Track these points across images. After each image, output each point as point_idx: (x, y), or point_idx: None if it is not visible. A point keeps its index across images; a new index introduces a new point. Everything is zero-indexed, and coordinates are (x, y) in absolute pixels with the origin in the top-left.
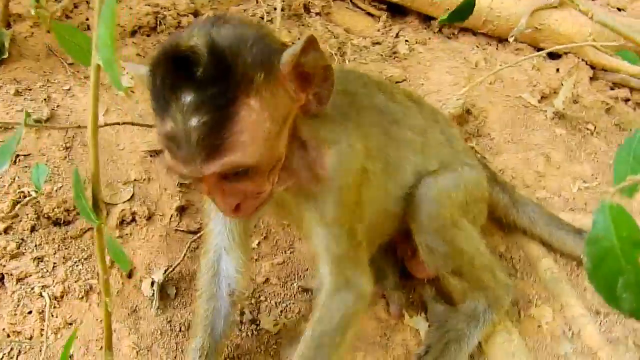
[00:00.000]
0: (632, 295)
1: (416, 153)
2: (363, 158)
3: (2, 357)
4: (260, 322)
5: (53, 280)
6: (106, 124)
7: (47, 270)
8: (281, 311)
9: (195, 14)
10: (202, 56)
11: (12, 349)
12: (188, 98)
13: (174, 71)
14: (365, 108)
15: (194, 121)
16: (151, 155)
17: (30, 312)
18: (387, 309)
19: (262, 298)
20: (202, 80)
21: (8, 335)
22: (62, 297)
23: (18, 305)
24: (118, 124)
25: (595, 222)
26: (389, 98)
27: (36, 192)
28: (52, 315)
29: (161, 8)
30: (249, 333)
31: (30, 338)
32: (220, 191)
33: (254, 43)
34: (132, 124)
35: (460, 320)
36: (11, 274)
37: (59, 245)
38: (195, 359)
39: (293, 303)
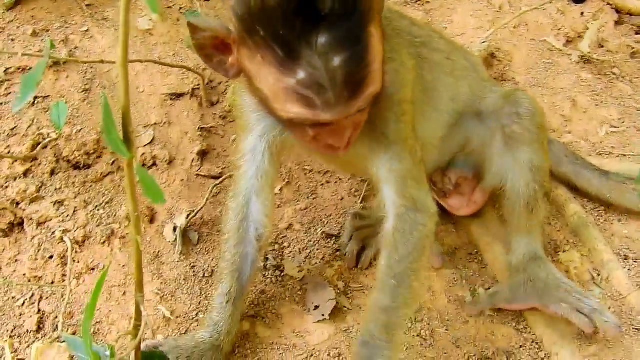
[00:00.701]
0: None
1: (447, 75)
2: (411, 75)
3: (24, 302)
4: (284, 268)
5: (74, 225)
6: (131, 61)
7: (68, 215)
8: (305, 257)
9: None
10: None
11: (33, 294)
12: (325, 39)
13: (298, 16)
14: (398, 30)
15: (336, 60)
16: (171, 99)
17: (51, 257)
18: None
19: (285, 244)
20: (332, 18)
21: (29, 280)
22: (83, 242)
23: (39, 250)
24: (140, 61)
25: None
26: (411, 22)
27: (57, 133)
28: (74, 260)
29: None
30: (273, 279)
31: (52, 283)
32: (342, 129)
33: None
34: (155, 62)
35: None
36: (31, 219)
37: (79, 189)
38: (223, 304)
39: (317, 249)
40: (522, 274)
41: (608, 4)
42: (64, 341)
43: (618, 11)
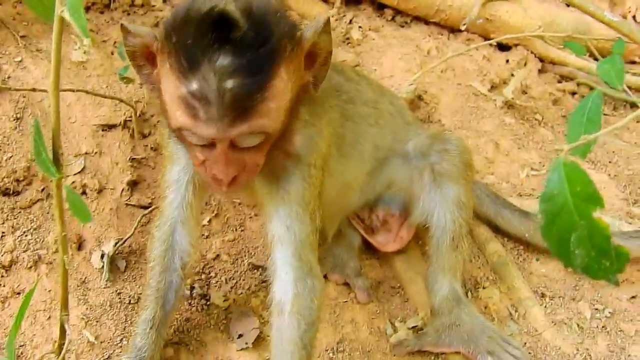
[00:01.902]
0: (584, 250)
1: (371, 126)
2: (327, 143)
3: None
4: (210, 297)
5: (1, 249)
6: (62, 90)
7: None
8: (231, 287)
9: None
10: (241, 20)
11: None
12: (225, 60)
13: (209, 32)
14: (327, 92)
15: (229, 83)
16: (103, 129)
17: None
18: (337, 287)
19: (212, 274)
20: (240, 44)
21: None
22: (10, 266)
23: None
24: (72, 90)
25: (549, 180)
26: (343, 78)
27: None
28: (0, 285)
29: None
30: (199, 308)
31: None
32: (225, 160)
33: (281, 15)
34: (88, 92)
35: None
36: None
37: (7, 215)
38: (146, 330)
39: (243, 279)
40: (446, 317)
41: (532, 52)
42: None
43: (541, 60)
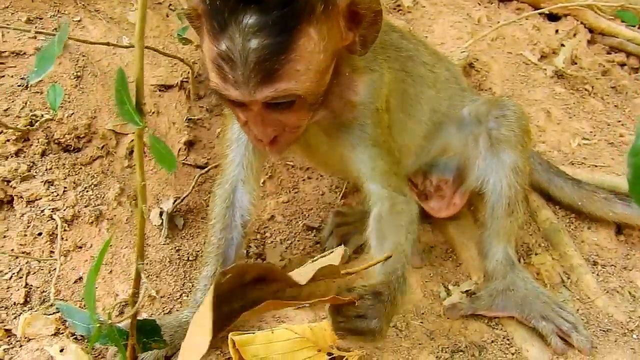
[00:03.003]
0: None
1: (429, 88)
2: (390, 80)
3: (11, 276)
4: (266, 256)
5: (63, 204)
6: (129, 45)
7: (58, 194)
8: (286, 247)
9: None
10: None
11: (21, 269)
12: (250, 19)
13: None
14: (386, 44)
15: (253, 43)
16: (160, 90)
17: (40, 234)
18: None
19: (267, 234)
20: (266, 2)
21: (16, 257)
22: (72, 220)
23: (28, 227)
24: (132, 46)
25: (638, 133)
26: (401, 36)
27: (52, 114)
28: (62, 238)
29: None
30: None
31: (40, 259)
32: (261, 121)
33: None
34: (152, 49)
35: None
36: (21, 196)
37: (69, 171)
38: (207, 286)
39: (298, 240)
40: (500, 281)
41: (582, 23)
42: (52, 313)
43: (591, 30)
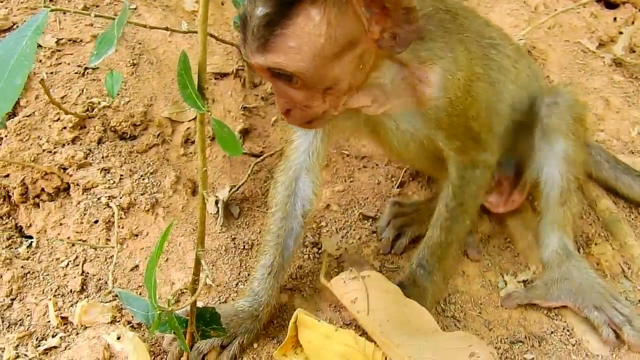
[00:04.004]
0: None
1: (511, 82)
2: (468, 66)
3: (68, 264)
4: (322, 245)
5: (119, 192)
6: (188, 31)
7: (114, 182)
8: (342, 236)
9: None
10: None
11: (77, 256)
12: None
13: None
14: (466, 27)
15: (258, 9)
16: (216, 78)
17: (96, 222)
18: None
19: (323, 223)
20: None
21: (73, 245)
22: (128, 208)
23: (84, 215)
24: (193, 32)
25: None
26: (485, 22)
27: (109, 100)
28: (119, 226)
29: None
30: (311, 255)
31: (97, 246)
32: (275, 88)
33: None
34: (212, 36)
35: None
36: (77, 184)
37: (125, 159)
38: (264, 275)
39: (354, 229)
40: (556, 271)
41: None
42: (108, 301)
43: None
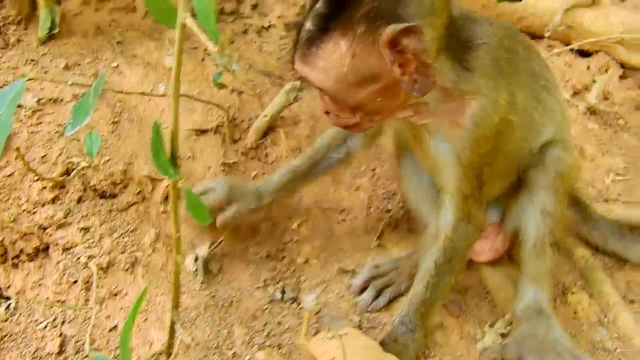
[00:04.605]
0: None
1: (555, 125)
2: (505, 111)
3: (46, 325)
4: (301, 301)
5: (99, 251)
6: (164, 94)
7: (94, 241)
8: (321, 291)
9: (238, 0)
10: None
11: (55, 317)
12: (319, 5)
13: None
14: (522, 68)
15: (307, 24)
16: (196, 134)
17: (75, 282)
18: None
19: (302, 278)
20: (331, 2)
21: (51, 306)
22: (107, 268)
23: (63, 275)
24: (164, 95)
25: None
26: (545, 66)
27: (88, 162)
28: (98, 286)
29: None
30: (290, 311)
31: (75, 307)
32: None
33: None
34: (188, 96)
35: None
36: (57, 244)
37: (105, 217)
38: (286, 172)
39: (333, 284)
40: (524, 326)
41: (613, 58)
42: None
43: (623, 66)
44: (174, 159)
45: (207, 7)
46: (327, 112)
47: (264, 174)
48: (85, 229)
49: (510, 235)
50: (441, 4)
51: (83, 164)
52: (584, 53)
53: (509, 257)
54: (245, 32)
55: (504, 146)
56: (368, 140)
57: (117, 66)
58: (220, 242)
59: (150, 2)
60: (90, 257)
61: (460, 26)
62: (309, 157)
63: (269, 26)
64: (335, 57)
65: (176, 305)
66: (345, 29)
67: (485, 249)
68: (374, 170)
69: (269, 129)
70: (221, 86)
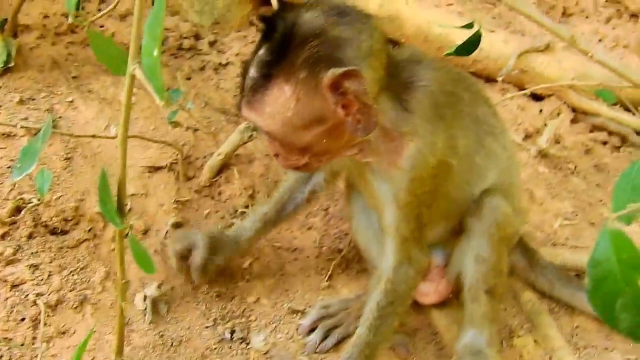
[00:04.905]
0: (629, 315)
1: (500, 170)
2: (443, 154)
3: None
4: (250, 341)
5: (48, 289)
6: (114, 136)
7: (42, 279)
8: (271, 331)
9: (197, 37)
10: (282, 27)
11: (2, 355)
12: (261, 52)
13: (269, 28)
14: (466, 113)
15: (251, 70)
16: (149, 171)
17: (23, 319)
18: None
19: (252, 317)
20: (271, 46)
21: None
22: (56, 306)
23: (11, 312)
24: (114, 137)
25: (597, 246)
26: (492, 112)
27: (39, 199)
28: (46, 324)
29: (165, 29)
30: (239, 351)
31: (22, 345)
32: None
33: (325, 45)
34: (140, 137)
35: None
36: (6, 280)
37: (55, 254)
38: (255, 219)
39: (283, 324)
40: None
41: (565, 102)
42: None
43: (574, 110)
44: (120, 207)
45: (154, 63)
46: (276, 155)
47: (217, 212)
48: (35, 266)
49: (453, 279)
50: (378, 46)
51: (34, 200)
52: (536, 97)
53: (457, 299)
54: (202, 68)
55: (443, 189)
56: (330, 179)
57: (72, 101)
58: (170, 280)
59: (99, 49)
60: (38, 295)
61: (403, 67)
62: (276, 202)
63: (227, 63)
64: (281, 102)
65: (120, 351)
66: (288, 75)
67: (430, 291)
68: (326, 209)
69: (223, 167)
70: (176, 124)
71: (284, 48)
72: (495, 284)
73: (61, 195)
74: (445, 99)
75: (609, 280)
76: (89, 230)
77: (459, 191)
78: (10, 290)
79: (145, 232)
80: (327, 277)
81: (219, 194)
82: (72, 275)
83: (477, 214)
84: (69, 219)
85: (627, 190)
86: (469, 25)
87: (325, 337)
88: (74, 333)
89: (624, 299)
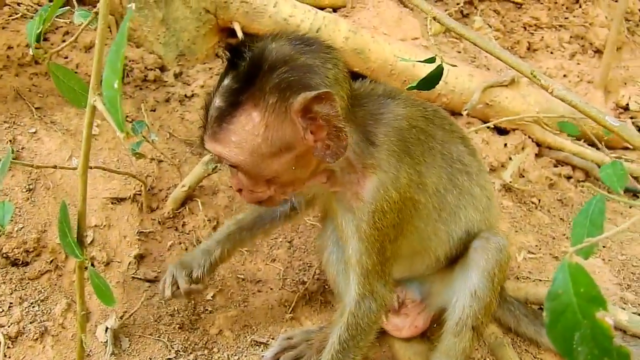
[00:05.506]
0: (587, 348)
1: (477, 211)
2: (407, 189)
3: None
4: None
5: (8, 320)
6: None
7: (3, 310)
8: None
9: (162, 68)
10: (250, 55)
11: None
12: (226, 80)
13: (235, 57)
14: (437, 150)
15: (215, 101)
16: (112, 203)
17: None
18: None
19: (215, 349)
20: (238, 74)
21: None
22: (16, 337)
23: None
24: (90, 167)
25: (555, 279)
26: (468, 151)
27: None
28: (5, 356)
29: (130, 61)
30: None
31: None
32: (229, 169)
33: (293, 71)
34: (104, 168)
35: None
36: None
37: (16, 286)
38: (230, 225)
39: (246, 356)
40: None
41: (529, 137)
42: None
43: (538, 144)
44: (80, 239)
45: (115, 96)
46: (239, 190)
47: (180, 243)
48: None
49: (434, 313)
50: (343, 76)
51: None
52: (501, 131)
53: (422, 334)
54: (167, 100)
55: (408, 224)
56: (310, 200)
57: (35, 132)
58: (133, 312)
59: (60, 81)
60: None
61: (374, 101)
62: (253, 210)
63: (192, 95)
64: (248, 129)
65: None
66: (257, 101)
67: (406, 325)
68: (290, 242)
69: (187, 199)
70: (140, 156)
71: (252, 75)
72: (482, 322)
73: (22, 227)
74: (415, 136)
75: (567, 314)
76: (51, 262)
77: (431, 228)
78: None
79: (108, 263)
80: (290, 309)
81: (183, 225)
82: (33, 306)
83: (481, 250)
84: (31, 250)
85: (585, 225)
86: (431, 60)
87: None
88: None
89: (582, 331)
